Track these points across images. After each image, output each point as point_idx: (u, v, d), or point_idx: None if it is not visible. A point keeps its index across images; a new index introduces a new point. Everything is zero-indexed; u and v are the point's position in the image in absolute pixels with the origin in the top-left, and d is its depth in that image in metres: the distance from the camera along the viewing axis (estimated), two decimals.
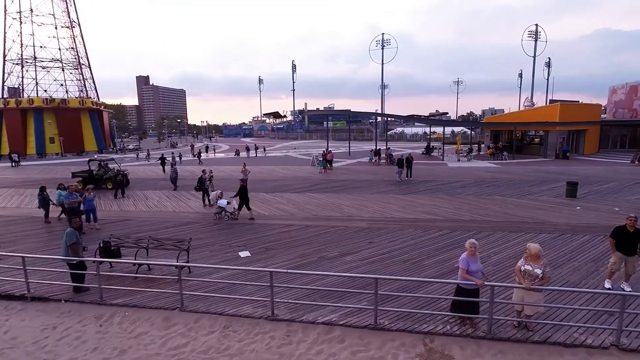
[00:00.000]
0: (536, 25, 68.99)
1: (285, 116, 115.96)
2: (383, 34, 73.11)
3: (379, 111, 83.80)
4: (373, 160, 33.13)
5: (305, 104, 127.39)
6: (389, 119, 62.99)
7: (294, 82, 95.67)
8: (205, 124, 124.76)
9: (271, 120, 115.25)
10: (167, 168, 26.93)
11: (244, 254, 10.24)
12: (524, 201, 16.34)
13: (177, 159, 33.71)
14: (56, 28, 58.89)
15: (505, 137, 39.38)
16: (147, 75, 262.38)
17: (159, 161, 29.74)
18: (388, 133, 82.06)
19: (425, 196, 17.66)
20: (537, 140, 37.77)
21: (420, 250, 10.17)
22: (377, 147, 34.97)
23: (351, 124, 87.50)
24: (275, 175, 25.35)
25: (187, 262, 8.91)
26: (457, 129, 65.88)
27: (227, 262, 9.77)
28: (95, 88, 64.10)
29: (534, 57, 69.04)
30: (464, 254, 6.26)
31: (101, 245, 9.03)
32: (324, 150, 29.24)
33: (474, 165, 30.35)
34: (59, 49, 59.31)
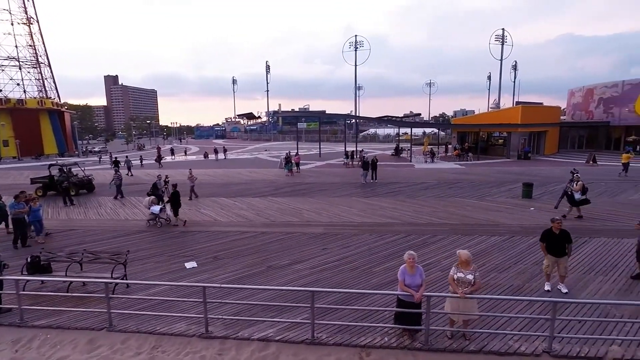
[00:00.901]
0: (502, 29, 71.13)
1: (259, 117, 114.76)
2: (356, 35, 73.50)
3: (354, 112, 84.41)
4: (345, 162, 32.92)
5: (279, 104, 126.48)
6: (362, 120, 63.42)
7: (267, 83, 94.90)
8: (176, 125, 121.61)
9: (245, 121, 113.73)
10: (123, 172, 25.83)
11: (190, 264, 9.80)
12: (482, 203, 16.61)
13: (139, 161, 32.24)
14: (12, 24, 55.86)
15: (471, 138, 40.32)
16: (116, 75, 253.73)
17: (112, 165, 28.02)
18: (361, 134, 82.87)
19: (387, 199, 17.67)
20: (501, 141, 38.88)
21: (372, 257, 10.04)
22: (351, 149, 34.95)
23: (325, 125, 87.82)
24: (241, 179, 24.83)
25: (124, 276, 8.42)
26: (428, 130, 67.10)
27: (171, 274, 9.32)
28: (56, 88, 61.32)
29: (501, 60, 71.10)
30: (402, 266, 6.11)
31: (29, 260, 8.38)
32: (287, 153, 28.83)
33: (440, 166, 30.84)
34: (16, 46, 56.32)
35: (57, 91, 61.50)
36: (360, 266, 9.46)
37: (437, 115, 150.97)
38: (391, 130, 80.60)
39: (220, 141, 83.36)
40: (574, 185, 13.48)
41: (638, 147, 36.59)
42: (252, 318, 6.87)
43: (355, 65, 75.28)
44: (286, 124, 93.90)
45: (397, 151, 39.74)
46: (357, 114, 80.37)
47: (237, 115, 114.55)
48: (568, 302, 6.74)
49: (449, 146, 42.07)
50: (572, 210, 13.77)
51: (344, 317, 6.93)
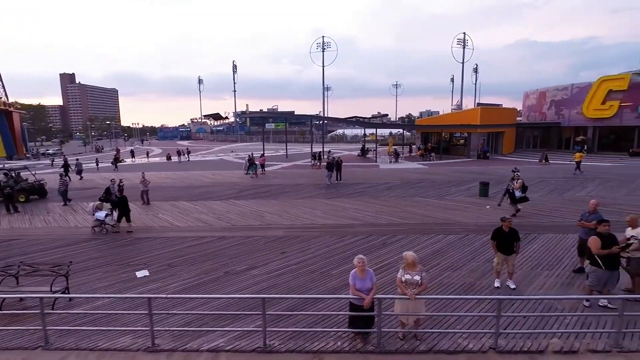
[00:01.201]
0: (464, 33, 73.88)
1: (226, 118, 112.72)
2: (323, 36, 73.85)
3: (322, 112, 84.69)
4: (313, 164, 32.80)
5: (247, 105, 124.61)
6: (330, 120, 63.73)
7: (234, 83, 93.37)
8: (138, 125, 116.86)
9: (211, 121, 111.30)
10: (74, 176, 24.45)
11: (141, 273, 9.35)
12: (442, 202, 17.07)
13: (95, 164, 30.50)
14: None
15: (434, 138, 41.48)
16: (73, 73, 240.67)
17: (62, 169, 25.49)
18: (330, 135, 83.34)
19: (350, 200, 17.77)
20: (462, 141, 40.27)
21: (331, 259, 10.01)
22: (319, 150, 34.94)
23: (294, 125, 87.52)
24: (203, 181, 24.17)
25: (66, 289, 7.89)
26: (395, 131, 68.49)
27: (120, 284, 8.85)
28: (3, 86, 57.25)
29: (463, 63, 73.80)
30: (353, 270, 6.06)
31: None
32: (250, 154, 28.34)
33: (404, 166, 31.49)
34: None
35: (4, 89, 57.50)
36: (319, 269, 9.41)
37: (404, 115, 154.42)
38: (359, 131, 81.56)
39: (185, 142, 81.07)
40: (515, 183, 14.12)
41: (586, 146, 39.05)
42: (202, 328, 6.64)
43: (323, 66, 75.69)
44: (254, 125, 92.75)
45: (363, 152, 40.23)
46: (326, 115, 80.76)
47: (204, 115, 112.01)
48: (513, 298, 6.97)
49: (413, 146, 43.09)
50: (515, 207, 14.29)
51: (298, 322, 6.83)
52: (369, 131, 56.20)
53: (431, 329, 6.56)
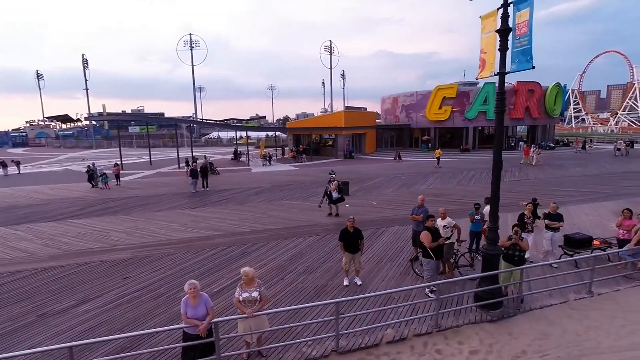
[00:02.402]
0: (330, 41, 79.03)
1: (78, 120, 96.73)
2: (191, 34, 69.66)
3: (194, 114, 79.70)
4: (186, 171, 30.11)
5: (104, 105, 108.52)
6: (200, 124, 60.33)
7: (86, 80, 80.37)
8: None
9: (57, 125, 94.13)
10: None
11: None
12: (307, 203, 17.55)
13: None
14: None
15: (305, 140, 43.05)
16: None
17: None
18: (204, 138, 79.25)
19: (215, 208, 16.85)
20: (330, 142, 42.78)
21: (181, 279, 9.05)
22: (192, 155, 32.35)
23: (163, 128, 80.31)
24: (35, 199, 19.88)
25: None
26: (270, 133, 68.90)
27: None
28: None
29: (330, 68, 78.99)
30: (185, 297, 5.41)
31: None
32: (90, 165, 24.36)
33: (276, 169, 31.74)
34: None
35: None
36: (165, 292, 8.43)
37: (281, 117, 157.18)
38: (234, 134, 79.56)
39: (19, 150, 66.55)
40: (331, 185, 15.35)
41: (430, 144, 45.84)
42: None
43: (193, 65, 71.52)
44: (115, 128, 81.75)
45: (236, 155, 39.19)
46: (198, 117, 76.42)
47: (47, 117, 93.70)
48: (349, 299, 7.33)
49: (286, 148, 43.94)
50: (334, 208, 15.33)
51: None
52: (243, 134, 55.21)
53: (277, 342, 6.39)
